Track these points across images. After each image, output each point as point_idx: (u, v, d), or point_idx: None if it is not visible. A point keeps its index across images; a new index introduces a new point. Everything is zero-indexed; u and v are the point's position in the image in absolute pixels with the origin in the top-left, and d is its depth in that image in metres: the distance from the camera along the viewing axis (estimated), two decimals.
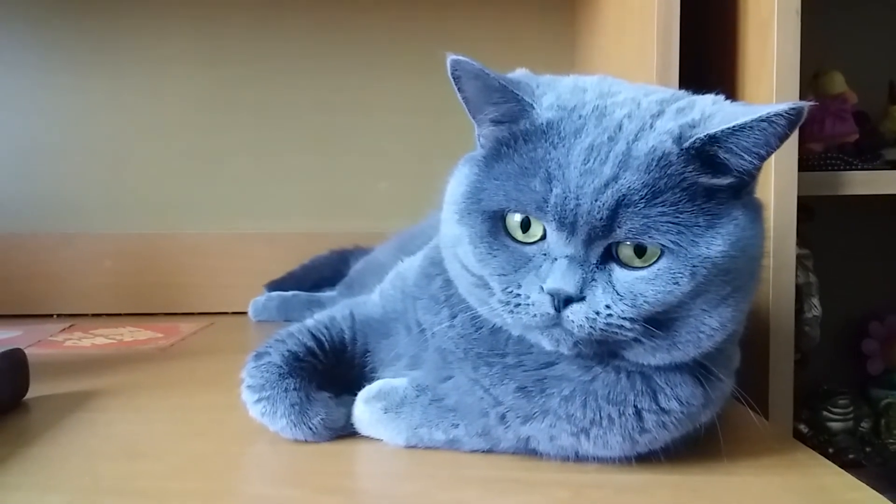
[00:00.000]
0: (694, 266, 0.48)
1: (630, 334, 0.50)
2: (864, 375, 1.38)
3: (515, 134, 0.53)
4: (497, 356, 0.56)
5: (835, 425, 1.23)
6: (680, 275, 0.48)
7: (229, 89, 1.34)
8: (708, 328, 0.51)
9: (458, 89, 0.54)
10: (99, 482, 0.55)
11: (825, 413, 1.24)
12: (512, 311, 0.52)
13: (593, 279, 0.50)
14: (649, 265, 0.49)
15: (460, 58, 0.52)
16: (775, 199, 0.90)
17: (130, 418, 0.70)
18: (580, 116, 0.52)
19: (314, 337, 0.65)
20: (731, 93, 1.01)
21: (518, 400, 0.55)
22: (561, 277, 0.49)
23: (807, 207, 0.95)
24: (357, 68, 1.35)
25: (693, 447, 0.57)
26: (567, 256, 0.50)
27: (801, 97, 0.91)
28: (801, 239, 0.96)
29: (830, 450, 1.18)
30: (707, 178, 0.49)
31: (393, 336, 0.67)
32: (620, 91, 0.54)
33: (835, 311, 1.12)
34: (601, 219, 0.48)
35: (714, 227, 0.49)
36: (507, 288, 0.52)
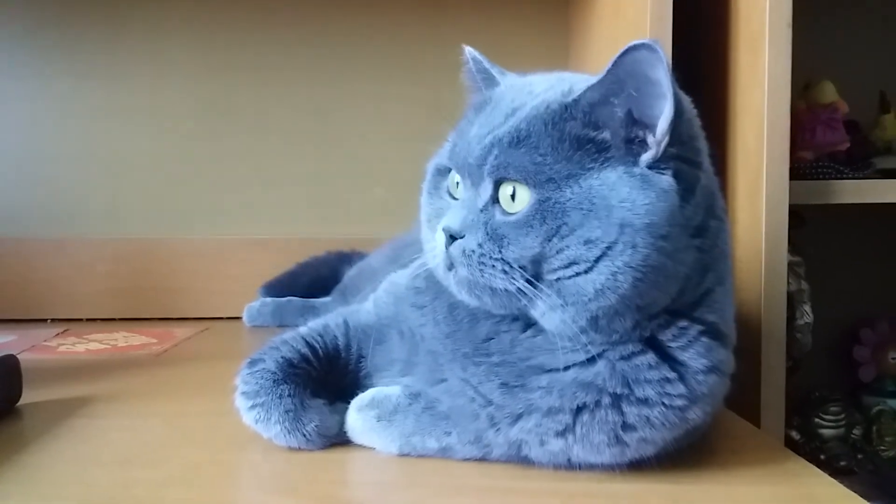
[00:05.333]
0: (545, 210, 0.51)
1: (509, 281, 0.52)
2: (855, 382, 1.39)
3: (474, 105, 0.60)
4: (483, 355, 0.57)
5: (826, 432, 1.23)
6: (533, 218, 0.52)
7: (225, 96, 1.35)
8: (589, 291, 0.51)
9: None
10: (92, 490, 0.55)
11: (817, 420, 1.24)
12: (434, 258, 0.57)
13: (474, 220, 0.54)
14: (517, 212, 0.53)
15: (470, 49, 0.63)
16: (766, 207, 0.91)
17: (124, 425, 0.70)
18: (507, 94, 0.58)
19: (308, 344, 0.65)
20: (724, 103, 1.02)
21: (503, 396, 0.56)
22: (451, 216, 0.56)
23: (798, 215, 0.95)
24: (352, 74, 1.36)
25: (685, 456, 0.58)
26: (462, 200, 0.57)
27: (793, 106, 0.92)
28: (793, 246, 0.96)
29: (822, 457, 1.18)
30: (580, 128, 0.52)
31: (386, 342, 0.67)
32: (563, 78, 0.59)
33: (826, 319, 1.12)
34: (476, 158, 0.54)
35: (574, 177, 0.52)
36: (430, 234, 0.58)
